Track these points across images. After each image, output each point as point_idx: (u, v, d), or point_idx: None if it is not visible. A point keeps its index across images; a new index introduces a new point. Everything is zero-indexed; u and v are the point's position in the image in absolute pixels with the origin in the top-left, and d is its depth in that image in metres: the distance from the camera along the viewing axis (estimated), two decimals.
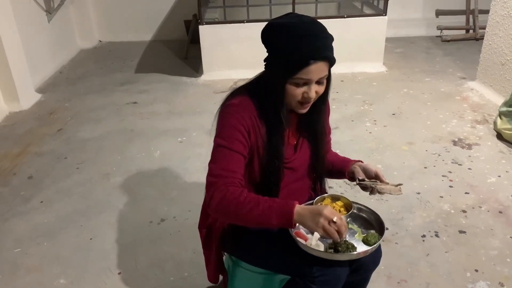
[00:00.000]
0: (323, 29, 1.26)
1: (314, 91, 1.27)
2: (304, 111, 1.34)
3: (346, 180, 1.54)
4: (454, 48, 5.26)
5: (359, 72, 4.49)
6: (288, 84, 1.26)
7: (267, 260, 1.44)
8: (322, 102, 1.37)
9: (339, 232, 1.18)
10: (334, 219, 1.17)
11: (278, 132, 1.35)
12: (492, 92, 3.82)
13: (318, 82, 1.28)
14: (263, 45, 1.31)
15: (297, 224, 1.39)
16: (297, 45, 1.21)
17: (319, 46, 1.23)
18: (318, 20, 1.28)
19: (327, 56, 1.24)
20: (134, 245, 2.24)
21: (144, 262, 2.12)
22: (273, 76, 1.29)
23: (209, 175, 1.30)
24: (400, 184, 1.40)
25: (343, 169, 1.52)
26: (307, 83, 1.26)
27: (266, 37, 1.30)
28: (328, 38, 1.26)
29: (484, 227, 2.28)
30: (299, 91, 1.27)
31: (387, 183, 1.39)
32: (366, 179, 1.40)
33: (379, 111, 3.66)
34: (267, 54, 1.32)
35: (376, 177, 1.41)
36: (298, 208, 1.21)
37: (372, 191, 1.38)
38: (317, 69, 1.23)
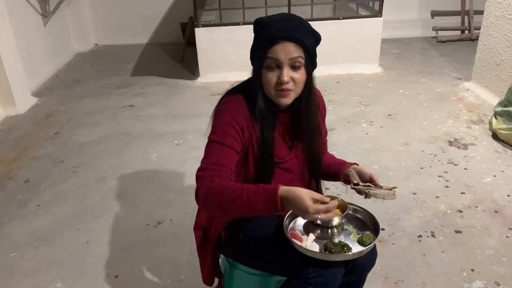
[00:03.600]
0: (300, 20, 1.30)
1: (288, 75, 1.27)
2: (285, 100, 1.32)
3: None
4: (450, 49, 5.28)
5: (355, 74, 4.51)
6: (263, 70, 1.29)
7: (263, 262, 1.44)
8: (308, 94, 1.36)
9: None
10: (317, 222, 1.20)
11: (270, 126, 1.36)
12: (487, 92, 3.84)
13: (293, 67, 1.28)
14: None
15: (293, 226, 1.40)
16: (266, 28, 1.28)
17: (286, 28, 1.26)
18: (310, 22, 1.31)
19: (294, 36, 1.25)
20: (131, 248, 2.23)
21: (141, 265, 2.12)
22: (253, 65, 1.34)
23: (198, 169, 1.29)
24: (394, 188, 1.40)
25: (338, 172, 1.52)
26: (278, 66, 1.28)
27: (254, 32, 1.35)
28: (302, 26, 1.28)
29: (480, 227, 2.28)
30: (272, 76, 1.28)
31: (381, 187, 1.39)
32: (360, 183, 1.41)
33: (375, 112, 3.67)
34: None
35: (370, 181, 1.42)
36: (283, 197, 1.16)
37: (366, 195, 1.39)
38: (284, 49, 1.25)
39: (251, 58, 1.35)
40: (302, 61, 1.28)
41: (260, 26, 1.31)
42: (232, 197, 1.19)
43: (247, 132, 1.34)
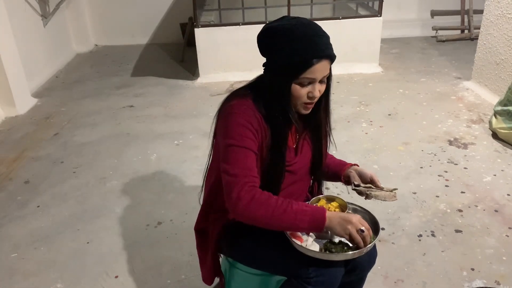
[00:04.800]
0: (321, 28, 1.29)
1: (318, 90, 1.30)
2: (308, 111, 1.35)
3: None
4: (449, 48, 5.28)
5: (355, 73, 4.51)
6: (293, 85, 1.28)
7: (263, 262, 1.44)
8: (325, 101, 1.39)
9: (364, 241, 1.23)
10: (362, 228, 1.22)
11: (283, 135, 1.35)
12: (487, 91, 3.84)
13: (321, 81, 1.30)
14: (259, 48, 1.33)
15: None
16: (300, 46, 1.23)
17: (321, 45, 1.25)
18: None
19: (330, 54, 1.27)
20: (131, 248, 2.24)
21: (141, 265, 2.12)
22: (278, 78, 1.29)
23: (227, 174, 1.27)
24: (395, 189, 1.41)
25: (338, 172, 1.52)
26: (311, 82, 1.28)
27: (265, 41, 1.31)
28: (327, 37, 1.29)
29: (480, 226, 2.28)
30: (303, 91, 1.29)
31: (382, 188, 1.40)
32: (361, 184, 1.41)
33: (375, 111, 3.67)
34: (265, 58, 1.32)
35: (371, 182, 1.42)
36: (329, 214, 1.23)
37: (367, 196, 1.39)
38: (321, 68, 1.26)
39: (273, 66, 1.30)
40: (329, 73, 1.31)
41: (290, 38, 1.24)
42: (279, 212, 1.22)
43: (260, 136, 1.33)
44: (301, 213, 1.22)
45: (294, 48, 1.23)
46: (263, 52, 1.32)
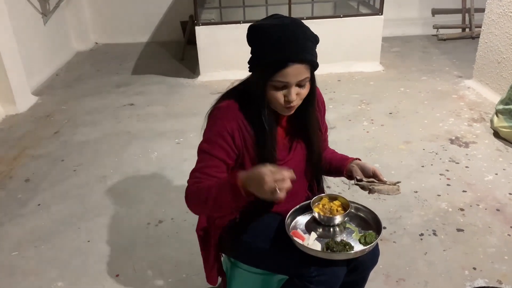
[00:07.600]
0: (304, 31, 1.25)
1: (295, 94, 1.26)
2: (290, 113, 1.33)
3: (343, 179, 1.53)
4: (451, 47, 5.27)
5: (356, 72, 4.50)
6: (268, 87, 1.26)
7: (264, 261, 1.44)
8: (309, 104, 1.36)
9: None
10: (279, 188, 1.10)
11: (264, 133, 1.34)
12: (488, 90, 3.83)
13: (299, 85, 1.27)
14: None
15: (295, 224, 1.40)
16: (275, 47, 1.22)
17: (297, 49, 1.22)
18: (305, 22, 1.29)
19: (305, 58, 1.23)
20: (132, 247, 2.23)
21: (142, 264, 2.11)
22: (254, 78, 1.31)
23: (188, 178, 1.35)
24: (398, 183, 1.39)
25: (341, 167, 1.51)
26: (286, 86, 1.25)
27: (249, 39, 1.32)
28: (308, 40, 1.24)
29: (482, 225, 2.28)
30: (279, 95, 1.27)
31: (385, 182, 1.38)
32: (364, 179, 1.39)
33: (376, 110, 3.67)
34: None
35: (373, 176, 1.40)
36: (243, 179, 1.16)
37: (370, 191, 1.38)
38: (294, 72, 1.22)
39: (252, 65, 1.31)
40: (308, 79, 1.28)
41: (265, 38, 1.24)
42: (203, 199, 1.26)
43: (239, 138, 1.32)
44: (220, 195, 1.22)
45: (270, 48, 1.22)
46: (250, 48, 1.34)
